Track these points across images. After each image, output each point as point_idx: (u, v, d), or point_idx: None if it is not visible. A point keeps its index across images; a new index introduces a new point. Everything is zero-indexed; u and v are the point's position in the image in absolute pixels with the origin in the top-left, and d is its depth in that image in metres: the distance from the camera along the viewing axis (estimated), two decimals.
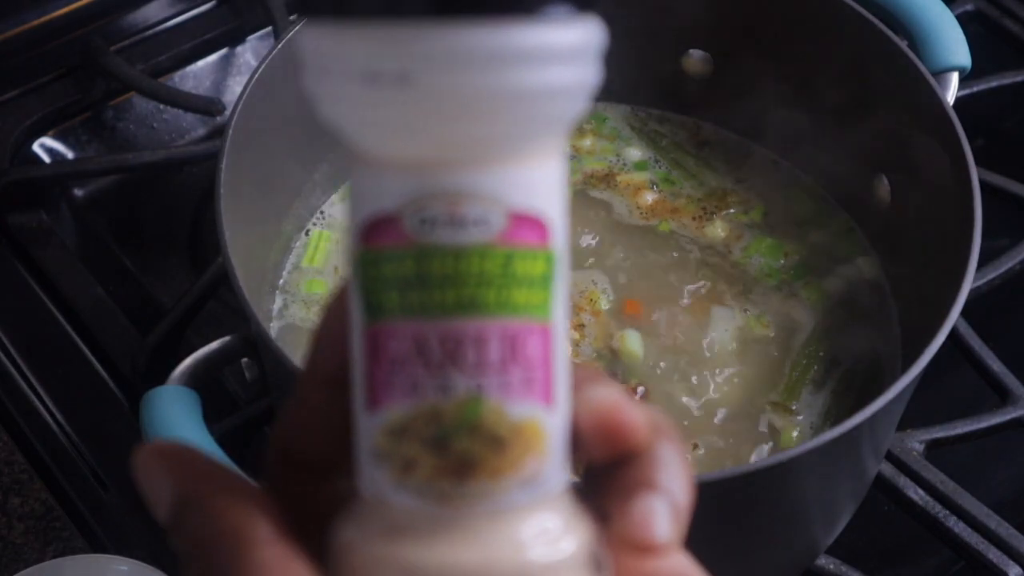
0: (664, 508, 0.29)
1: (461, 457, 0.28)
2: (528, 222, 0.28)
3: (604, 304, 0.77)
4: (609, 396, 0.30)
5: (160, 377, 0.66)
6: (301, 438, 0.31)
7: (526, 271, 0.28)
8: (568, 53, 0.27)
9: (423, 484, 0.28)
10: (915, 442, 0.74)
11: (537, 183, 0.28)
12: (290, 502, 0.30)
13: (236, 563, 0.28)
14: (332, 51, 0.27)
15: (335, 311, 0.30)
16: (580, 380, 0.30)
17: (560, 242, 0.29)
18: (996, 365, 0.78)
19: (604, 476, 0.30)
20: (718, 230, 0.81)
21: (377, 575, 0.28)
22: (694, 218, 0.82)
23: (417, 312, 0.28)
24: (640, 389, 0.73)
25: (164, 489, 0.30)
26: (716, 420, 0.72)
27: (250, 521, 0.28)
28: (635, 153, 0.85)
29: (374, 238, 0.28)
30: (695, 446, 0.71)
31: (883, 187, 0.78)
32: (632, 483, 0.30)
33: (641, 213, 0.82)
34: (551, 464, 0.29)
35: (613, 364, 0.74)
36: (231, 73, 0.97)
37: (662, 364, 0.74)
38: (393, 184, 0.28)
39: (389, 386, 0.28)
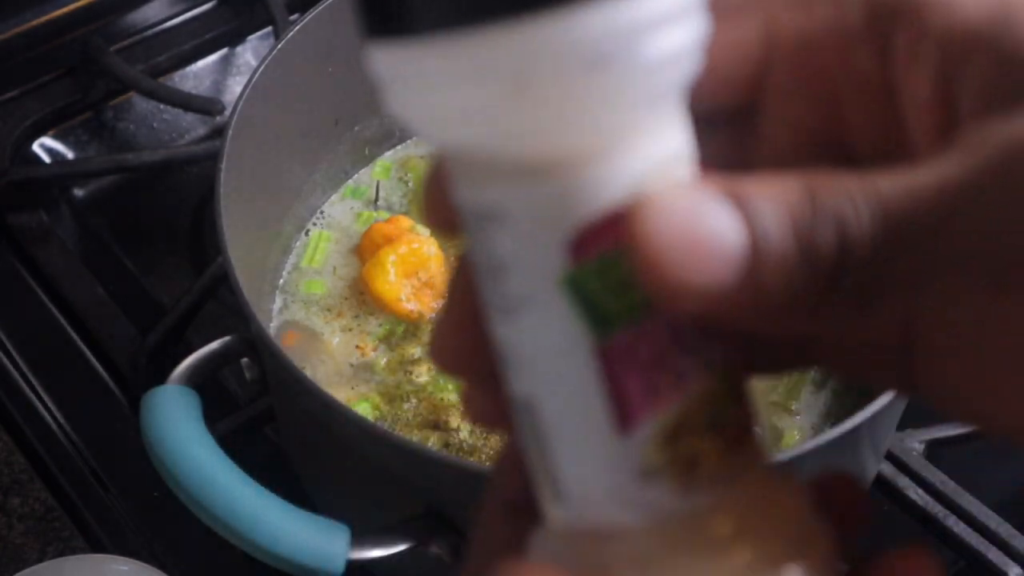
0: None
1: (738, 424, 0.27)
2: None
3: None
4: None
5: (160, 377, 0.66)
6: (514, 481, 0.29)
7: None
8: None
9: (713, 472, 0.26)
10: (915, 442, 0.74)
11: None
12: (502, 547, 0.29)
13: None
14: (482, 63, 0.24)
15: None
16: None
17: None
18: None
19: None
20: None
21: None
22: None
23: None
24: None
25: None
26: None
27: None
28: None
29: (596, 243, 0.25)
30: None
31: None
32: None
33: None
34: None
35: None
36: (231, 73, 0.97)
37: None
38: (607, 177, 0.25)
39: (650, 392, 0.26)
